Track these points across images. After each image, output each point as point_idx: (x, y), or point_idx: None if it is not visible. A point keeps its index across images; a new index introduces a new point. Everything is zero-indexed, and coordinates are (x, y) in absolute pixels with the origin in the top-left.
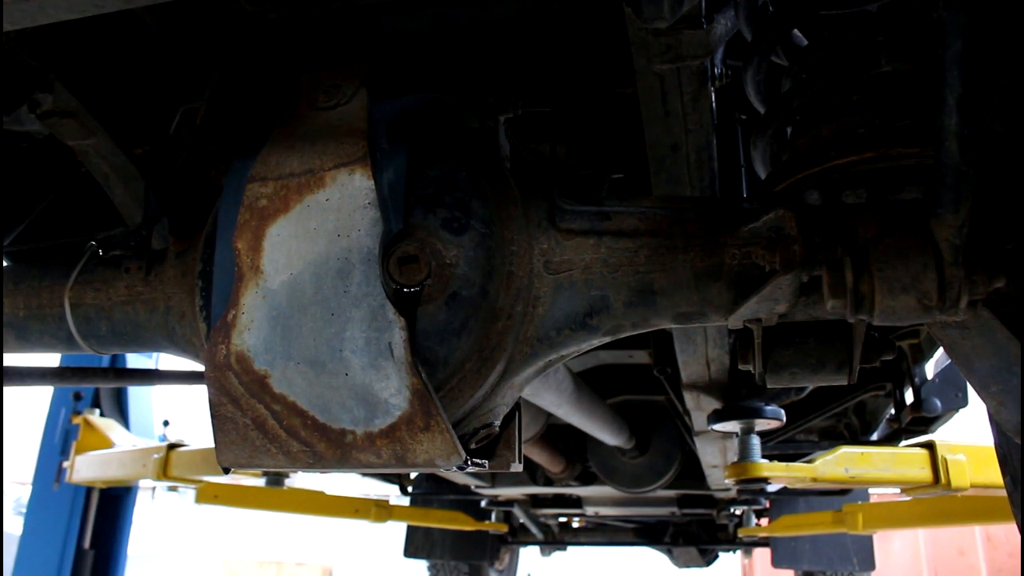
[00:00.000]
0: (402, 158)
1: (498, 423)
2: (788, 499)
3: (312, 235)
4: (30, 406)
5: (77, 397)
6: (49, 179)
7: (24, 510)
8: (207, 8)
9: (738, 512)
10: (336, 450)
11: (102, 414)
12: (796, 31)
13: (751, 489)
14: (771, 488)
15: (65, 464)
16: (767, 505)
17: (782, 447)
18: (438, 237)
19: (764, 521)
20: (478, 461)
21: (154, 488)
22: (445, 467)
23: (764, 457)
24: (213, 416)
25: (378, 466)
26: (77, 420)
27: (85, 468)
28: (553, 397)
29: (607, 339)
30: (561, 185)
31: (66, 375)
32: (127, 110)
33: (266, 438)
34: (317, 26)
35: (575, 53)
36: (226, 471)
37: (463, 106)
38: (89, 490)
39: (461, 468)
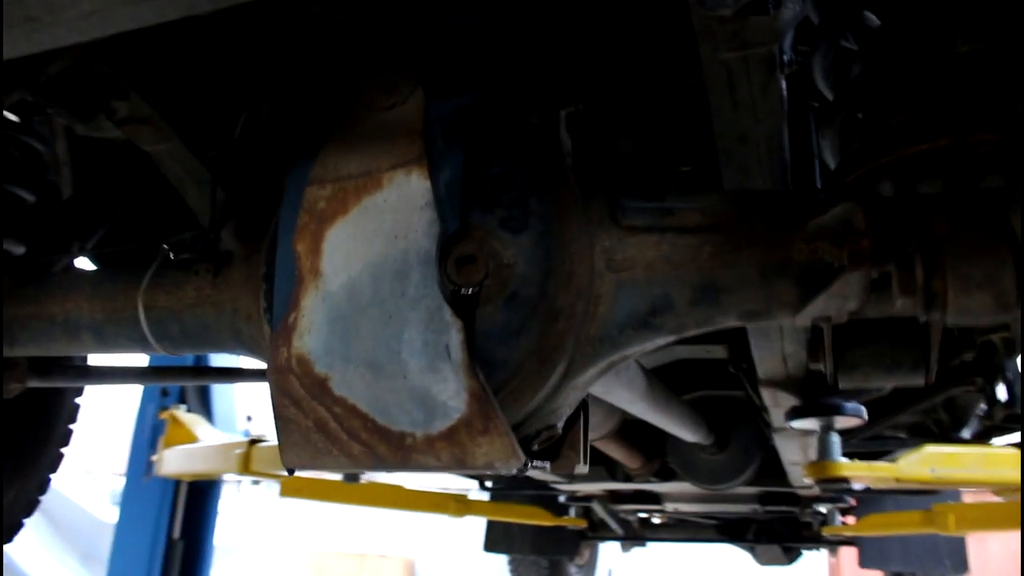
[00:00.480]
0: (458, 157)
1: (561, 424)
2: (875, 497)
3: (370, 237)
4: (126, 400)
5: (164, 393)
6: (128, 183)
7: (120, 500)
8: (273, 11)
9: (823, 510)
10: (396, 452)
11: (189, 410)
12: (868, 13)
13: (834, 488)
14: (856, 486)
15: (154, 457)
16: (853, 503)
17: (868, 444)
18: (496, 237)
19: (850, 519)
20: (539, 463)
21: (240, 481)
22: (505, 470)
23: (848, 455)
24: (276, 418)
25: (438, 468)
26: (164, 415)
27: (172, 462)
28: (625, 394)
29: (672, 338)
30: (627, 179)
31: (146, 374)
32: (198, 114)
33: (328, 440)
34: (381, 25)
35: (640, 43)
36: (290, 472)
37: (523, 102)
38: (178, 482)
39: (521, 471)
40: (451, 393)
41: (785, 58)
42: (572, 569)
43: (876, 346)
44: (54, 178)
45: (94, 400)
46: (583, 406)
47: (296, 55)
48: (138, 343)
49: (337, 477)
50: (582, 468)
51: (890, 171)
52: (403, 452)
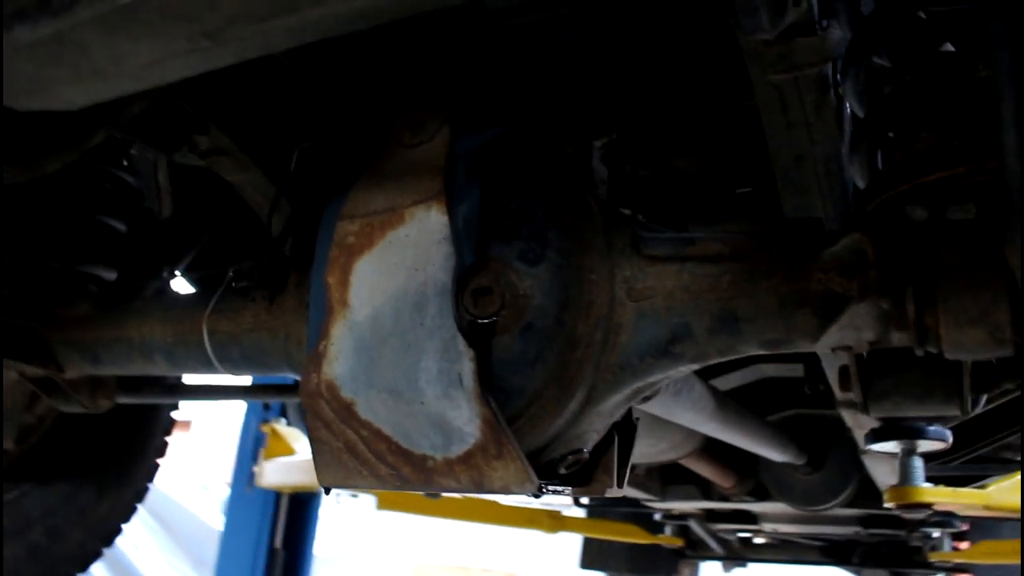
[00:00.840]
0: (476, 192)
1: (588, 449)
2: (991, 522)
3: (393, 270)
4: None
5: (266, 407)
6: (215, 210)
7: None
8: (345, 48)
9: (936, 535)
10: (420, 474)
11: (288, 424)
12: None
13: (936, 513)
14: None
15: (255, 469)
16: (964, 528)
17: (964, 468)
18: (513, 269)
19: (966, 545)
20: (557, 488)
21: (339, 493)
22: (520, 493)
23: (945, 478)
24: (311, 440)
25: (459, 490)
26: (265, 429)
27: (271, 474)
28: (692, 415)
29: (694, 366)
30: (659, 206)
31: (231, 392)
32: (273, 146)
33: (357, 461)
34: (444, 55)
35: (694, 67)
36: (327, 491)
37: (557, 133)
38: (279, 493)
39: (536, 495)
40: (465, 419)
41: (839, 78)
42: None
43: (906, 375)
44: (151, 205)
45: (210, 416)
46: (626, 430)
47: (346, 95)
48: (204, 365)
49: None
50: (616, 491)
51: (914, 198)
52: (425, 474)
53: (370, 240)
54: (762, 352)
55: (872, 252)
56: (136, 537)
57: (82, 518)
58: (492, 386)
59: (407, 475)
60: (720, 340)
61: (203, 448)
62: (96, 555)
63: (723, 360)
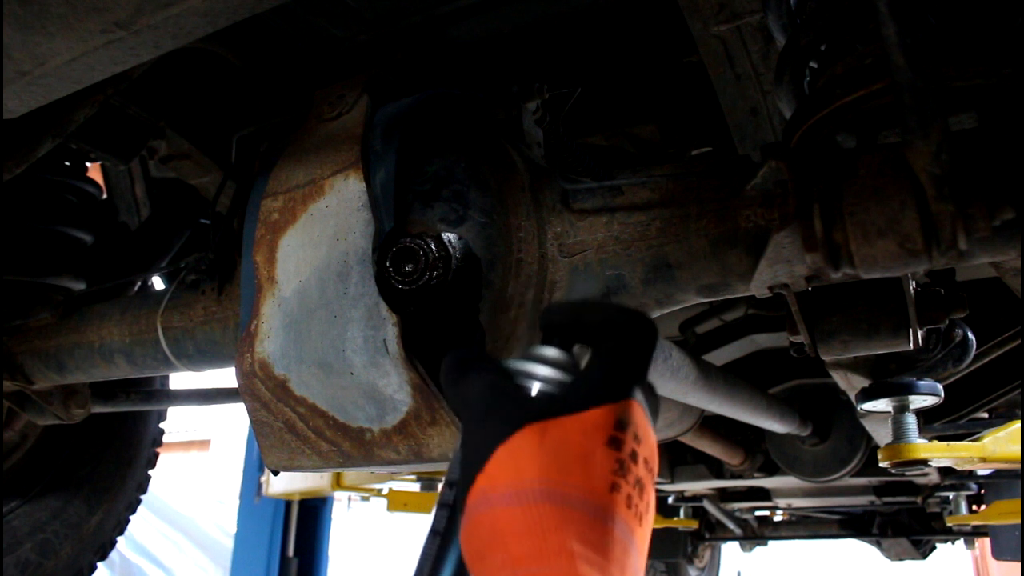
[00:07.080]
0: (392, 158)
1: None
2: (1006, 483)
3: (316, 242)
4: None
5: None
6: (186, 216)
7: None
8: (294, 40)
9: (951, 498)
10: (360, 448)
11: None
12: None
13: (959, 472)
14: (982, 472)
15: (262, 479)
16: (978, 490)
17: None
18: (435, 231)
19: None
20: None
21: (349, 498)
22: None
23: (952, 437)
24: (252, 422)
25: (400, 462)
26: None
27: (278, 483)
28: (672, 385)
29: None
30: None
31: (210, 396)
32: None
33: (299, 439)
34: (399, 42)
35: (635, 30)
36: (275, 473)
37: (485, 97)
38: (289, 502)
39: None
40: (395, 387)
41: (783, 23)
42: (692, 571)
43: (851, 312)
44: (129, 217)
45: (229, 434)
46: None
47: (281, 79)
48: (162, 362)
49: (415, 487)
50: None
51: (837, 122)
52: (365, 448)
53: (293, 215)
54: (701, 300)
55: (789, 178)
56: (155, 553)
57: (73, 532)
58: (421, 351)
59: (347, 450)
60: (656, 289)
61: (222, 465)
62: (91, 568)
63: (664, 311)
